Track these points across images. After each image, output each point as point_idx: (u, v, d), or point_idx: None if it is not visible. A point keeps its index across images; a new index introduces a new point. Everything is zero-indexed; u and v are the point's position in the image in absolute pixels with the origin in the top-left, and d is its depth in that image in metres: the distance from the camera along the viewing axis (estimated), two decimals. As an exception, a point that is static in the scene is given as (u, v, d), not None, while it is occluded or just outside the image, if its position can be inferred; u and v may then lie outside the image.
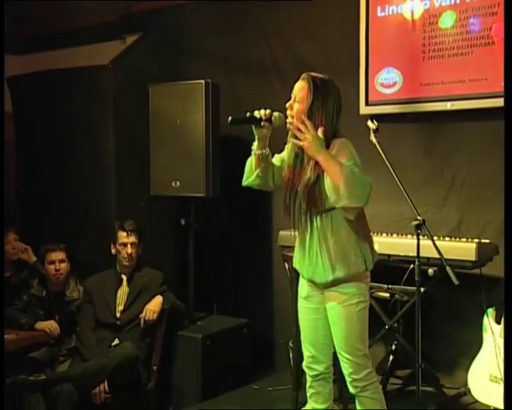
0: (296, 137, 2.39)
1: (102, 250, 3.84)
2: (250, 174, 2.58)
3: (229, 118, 2.43)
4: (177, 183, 3.97)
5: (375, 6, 3.88)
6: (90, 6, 4.62)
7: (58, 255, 3.81)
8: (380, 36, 3.89)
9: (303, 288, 2.65)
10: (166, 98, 4.01)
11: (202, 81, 3.91)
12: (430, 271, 3.30)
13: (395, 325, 3.63)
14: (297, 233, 2.59)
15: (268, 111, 2.48)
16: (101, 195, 4.26)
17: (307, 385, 2.69)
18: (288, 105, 2.50)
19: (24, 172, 4.63)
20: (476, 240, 3.37)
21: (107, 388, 3.34)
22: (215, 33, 4.59)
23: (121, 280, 3.73)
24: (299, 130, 2.36)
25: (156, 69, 4.37)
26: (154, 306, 3.62)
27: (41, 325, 3.69)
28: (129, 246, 3.69)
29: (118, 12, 4.83)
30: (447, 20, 3.67)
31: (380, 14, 3.88)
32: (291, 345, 3.42)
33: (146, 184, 4.08)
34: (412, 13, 3.78)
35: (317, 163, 2.40)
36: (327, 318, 2.58)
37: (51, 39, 5.05)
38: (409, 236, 3.50)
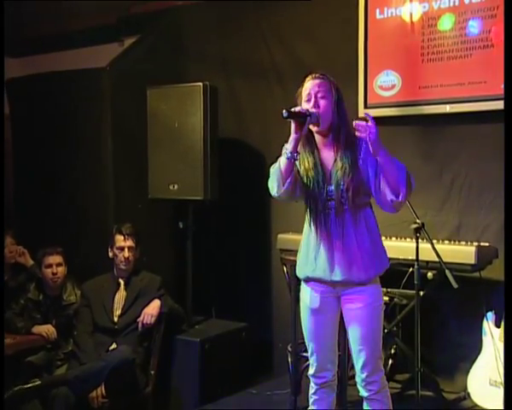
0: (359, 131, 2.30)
1: (100, 254, 3.84)
2: (282, 182, 2.42)
3: (284, 111, 2.32)
4: (175, 186, 3.97)
5: (373, 8, 3.88)
6: (88, 8, 4.62)
7: (55, 259, 3.81)
8: (378, 38, 3.89)
9: (314, 298, 2.55)
10: (164, 101, 4.01)
11: (200, 84, 3.91)
12: (429, 274, 3.29)
13: (394, 328, 3.63)
14: (315, 236, 2.50)
15: (306, 107, 2.42)
16: (99, 198, 4.26)
17: (310, 392, 2.67)
18: (312, 104, 2.43)
19: (21, 175, 4.63)
20: (475, 243, 3.37)
21: (104, 392, 3.33)
22: (214, 35, 4.58)
23: (119, 284, 3.73)
24: (361, 125, 2.29)
25: (154, 71, 4.37)
26: (152, 309, 3.62)
27: (38, 329, 3.69)
28: (126, 250, 3.69)
29: (116, 14, 4.83)
30: (446, 23, 3.67)
31: (378, 16, 3.88)
32: (290, 349, 3.42)
33: (144, 187, 4.08)
34: (411, 15, 3.78)
35: (346, 156, 2.40)
36: (336, 325, 2.58)
37: (48, 42, 5.05)
38: (408, 239, 3.49)
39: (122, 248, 3.70)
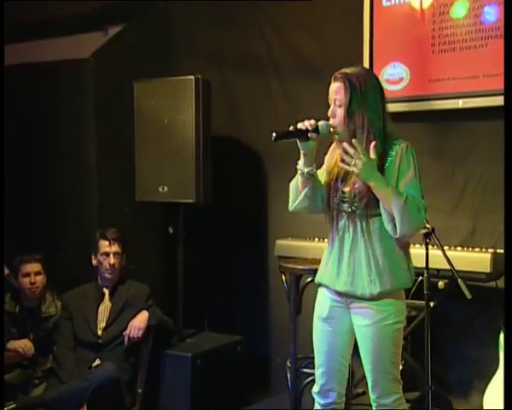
0: (343, 161, 2.38)
1: (82, 261, 3.84)
2: (297, 196, 2.55)
3: (273, 134, 2.39)
4: (165, 188, 3.97)
5: (379, -6, 3.89)
6: (68, -7, 4.61)
7: (33, 267, 3.78)
8: (385, 28, 3.88)
9: (324, 307, 2.58)
10: (153, 96, 4.00)
11: (192, 77, 3.90)
12: (440, 283, 3.29)
13: (402, 342, 3.58)
14: (330, 239, 2.56)
15: (313, 121, 2.45)
16: (82, 200, 4.24)
17: None
18: (330, 112, 2.48)
19: (-4, 175, 4.62)
20: (491, 250, 3.36)
21: (86, 414, 3.33)
22: (207, 25, 4.57)
23: (103, 294, 3.73)
24: (347, 153, 2.35)
25: (142, 63, 4.36)
26: (140, 322, 3.61)
27: (14, 344, 3.66)
28: (111, 256, 3.69)
29: (99, 0, 4.80)
30: (459, 10, 3.66)
31: (385, 3, 3.88)
32: (289, 365, 3.41)
33: (130, 189, 4.07)
34: (421, 2, 3.77)
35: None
36: (347, 341, 2.57)
37: (25, 30, 5.02)
38: (417, 245, 3.45)
39: (107, 255, 3.70)
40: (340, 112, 2.45)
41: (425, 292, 2.93)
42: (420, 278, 3.09)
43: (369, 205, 2.43)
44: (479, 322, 3.60)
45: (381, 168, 2.41)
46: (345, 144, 2.37)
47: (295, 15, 4.24)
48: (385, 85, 3.84)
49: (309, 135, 2.43)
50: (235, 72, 4.52)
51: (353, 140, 2.36)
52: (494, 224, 3.62)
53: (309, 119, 2.46)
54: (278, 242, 3.92)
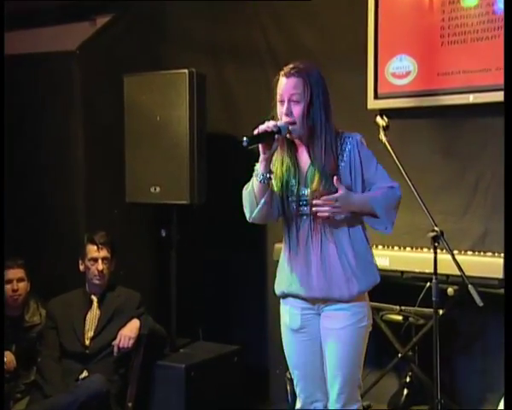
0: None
1: (69, 267, 3.82)
2: (255, 205, 2.50)
3: (244, 139, 2.37)
4: (157, 188, 3.96)
5: (385, -17, 3.89)
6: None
7: (16, 273, 3.77)
8: (391, 17, 3.87)
9: (294, 318, 2.59)
10: (144, 91, 4.00)
11: (186, 71, 3.89)
12: (450, 290, 3.30)
13: (409, 353, 3.64)
14: (289, 246, 2.56)
15: (273, 122, 2.44)
16: (68, 201, 4.24)
17: None
18: (285, 110, 2.46)
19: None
20: (503, 254, 3.34)
21: (73, 430, 3.32)
22: (202, 15, 4.56)
23: (91, 302, 3.72)
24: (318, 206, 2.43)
25: (132, 57, 4.35)
26: (130, 331, 3.60)
27: (-7, 356, 3.66)
28: (100, 262, 3.68)
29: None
30: (471, -2, 3.67)
31: (391, -8, 3.89)
32: (288, 376, 3.41)
33: (121, 189, 4.06)
34: (429, -10, 3.78)
35: (321, 158, 2.46)
36: (321, 348, 2.58)
37: (7, 19, 5.01)
38: (425, 249, 3.51)
39: (95, 260, 3.69)
40: (299, 109, 2.45)
41: (433, 299, 2.91)
42: (428, 284, 3.09)
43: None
44: (491, 331, 3.60)
45: (338, 166, 2.48)
46: (315, 202, 2.41)
47: (296, 5, 4.23)
48: (391, 79, 3.90)
49: (276, 137, 2.41)
50: (232, 65, 4.51)
51: (326, 199, 2.41)
52: (507, 227, 3.62)
53: (267, 120, 2.46)
54: (277, 245, 3.87)
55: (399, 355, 3.61)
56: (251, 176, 2.55)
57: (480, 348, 3.68)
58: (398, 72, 3.87)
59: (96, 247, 3.69)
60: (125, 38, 4.45)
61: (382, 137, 3.02)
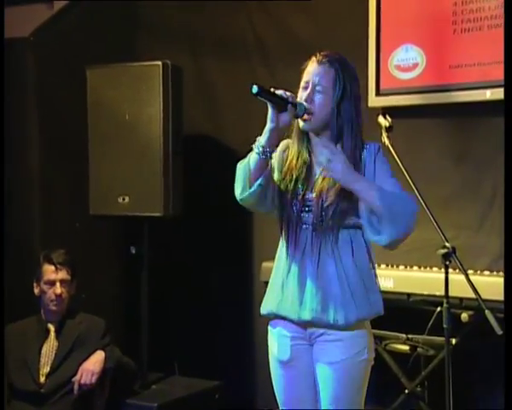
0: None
1: (22, 290, 3.80)
2: (249, 183, 2.46)
3: (254, 87, 2.33)
4: (126, 198, 3.98)
5: (389, -37, 3.93)
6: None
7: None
8: (395, 3, 3.90)
9: (283, 347, 2.57)
10: (111, 85, 4.02)
11: (159, 63, 3.92)
12: (464, 316, 3.30)
13: (418, 388, 3.62)
14: (286, 257, 2.55)
15: (291, 94, 2.45)
16: (21, 213, 4.20)
17: None
18: (305, 96, 2.47)
19: None
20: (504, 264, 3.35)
21: None
22: (178, 1, 4.57)
23: (47, 331, 3.67)
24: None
25: (97, 46, 4.35)
26: (93, 365, 3.57)
27: None
28: (57, 285, 3.64)
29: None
30: (487, -22, 3.70)
31: (395, -27, 3.93)
32: (277, 416, 3.38)
33: (83, 199, 4.06)
34: (439, -30, 3.82)
35: None
36: (314, 381, 2.57)
37: None
38: (435, 269, 3.51)
39: (52, 283, 3.65)
40: (322, 101, 2.46)
41: (445, 326, 2.89)
42: (438, 308, 3.12)
43: (341, 215, 2.45)
44: (511, 363, 3.59)
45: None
46: (323, 144, 2.42)
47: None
48: (395, 73, 3.93)
49: (288, 107, 2.41)
50: (214, 57, 4.53)
51: (324, 138, 2.44)
52: (529, 242, 3.62)
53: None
54: (265, 264, 3.88)
55: (406, 391, 3.60)
56: (233, 184, 2.53)
57: (499, 383, 3.64)
58: (403, 64, 3.89)
59: (53, 267, 3.65)
60: (88, 24, 4.45)
61: (385, 139, 3.01)
